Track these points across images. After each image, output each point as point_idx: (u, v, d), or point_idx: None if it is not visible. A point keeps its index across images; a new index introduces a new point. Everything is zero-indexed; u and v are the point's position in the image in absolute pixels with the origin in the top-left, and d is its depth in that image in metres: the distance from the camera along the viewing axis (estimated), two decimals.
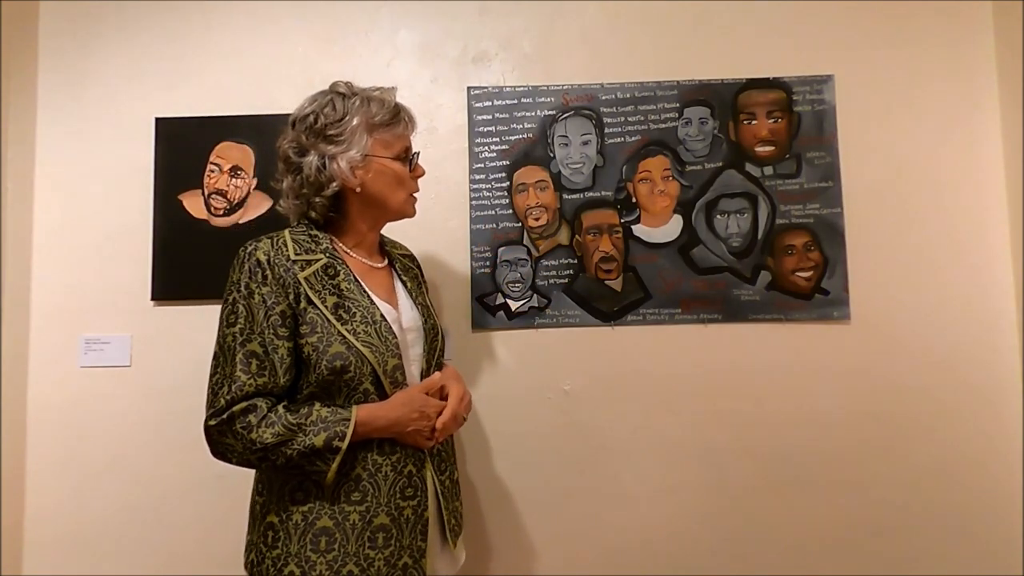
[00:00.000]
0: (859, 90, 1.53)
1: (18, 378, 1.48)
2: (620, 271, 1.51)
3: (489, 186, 1.53)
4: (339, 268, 1.04)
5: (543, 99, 1.54)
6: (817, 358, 1.49)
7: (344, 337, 0.98)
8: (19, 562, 1.46)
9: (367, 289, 1.06)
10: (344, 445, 0.95)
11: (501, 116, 1.54)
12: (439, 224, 1.52)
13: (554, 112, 1.54)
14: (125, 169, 1.53)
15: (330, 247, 1.06)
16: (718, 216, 1.52)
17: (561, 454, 1.49)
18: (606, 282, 1.51)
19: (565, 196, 1.53)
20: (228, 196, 1.51)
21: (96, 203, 1.53)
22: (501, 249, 1.52)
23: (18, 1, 1.51)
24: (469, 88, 1.55)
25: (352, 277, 1.05)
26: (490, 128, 1.54)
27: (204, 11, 1.56)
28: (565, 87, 1.54)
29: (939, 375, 1.48)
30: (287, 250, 1.02)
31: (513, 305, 1.51)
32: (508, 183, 1.53)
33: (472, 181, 1.53)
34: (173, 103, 1.54)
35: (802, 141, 1.53)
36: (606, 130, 1.54)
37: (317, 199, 1.06)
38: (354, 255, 1.10)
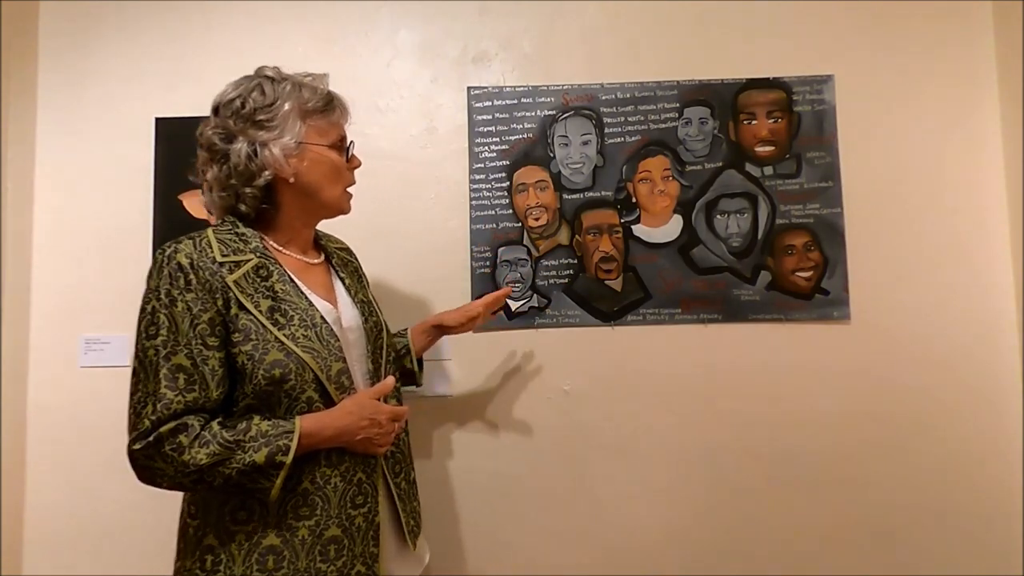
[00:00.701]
0: (859, 90, 1.53)
1: (18, 378, 1.48)
2: (620, 271, 1.51)
3: (489, 186, 1.53)
4: (272, 268, 0.97)
5: (543, 99, 1.54)
6: (817, 358, 1.49)
7: (282, 343, 0.91)
8: (19, 562, 1.46)
9: (304, 289, 0.99)
10: (288, 460, 0.88)
11: (501, 116, 1.54)
12: (439, 224, 1.52)
13: (554, 112, 1.54)
14: (125, 169, 1.53)
15: (260, 245, 0.98)
16: (718, 216, 1.52)
17: (561, 454, 1.49)
18: (606, 282, 1.51)
19: (565, 196, 1.53)
20: None
21: (96, 203, 1.53)
22: (501, 249, 1.52)
23: (18, 1, 1.51)
24: (469, 88, 1.55)
25: (287, 277, 0.98)
26: (490, 128, 1.54)
27: (204, 11, 1.56)
28: (565, 87, 1.54)
29: (939, 375, 1.48)
30: (212, 251, 0.93)
31: (513, 305, 1.51)
32: (508, 183, 1.53)
33: (472, 181, 1.53)
34: (173, 103, 1.54)
35: (802, 141, 1.53)
36: (606, 130, 1.54)
37: (247, 190, 0.97)
38: (287, 252, 1.02)
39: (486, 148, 1.54)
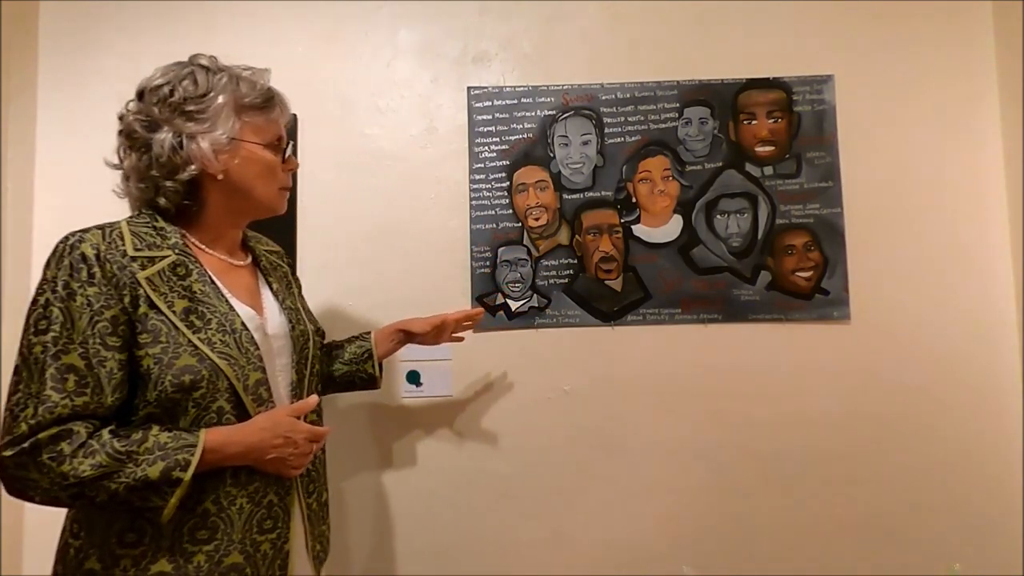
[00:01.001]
0: (859, 90, 1.53)
1: None
2: (620, 271, 1.51)
3: (489, 186, 1.53)
4: (191, 267, 0.89)
5: (543, 99, 1.54)
6: (817, 358, 1.49)
7: (196, 348, 0.83)
8: (19, 562, 1.45)
9: (225, 292, 0.92)
10: (187, 476, 0.79)
11: (501, 116, 1.54)
12: (439, 224, 1.52)
13: (554, 112, 1.54)
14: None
15: (180, 242, 0.90)
16: (718, 216, 1.52)
17: (561, 454, 1.49)
18: (606, 282, 1.51)
19: (565, 196, 1.53)
20: None
21: (96, 203, 1.52)
22: (501, 249, 1.52)
23: (18, 1, 1.51)
24: (469, 88, 1.55)
25: (208, 278, 0.90)
26: (490, 128, 1.54)
27: (204, 11, 1.56)
28: (565, 87, 1.54)
29: (939, 375, 1.48)
30: (123, 244, 0.85)
31: (513, 305, 1.51)
32: (508, 183, 1.53)
33: (472, 181, 1.53)
34: None
35: (802, 141, 1.53)
36: (606, 130, 1.54)
37: (168, 184, 0.90)
38: (211, 252, 0.95)
39: (486, 148, 1.54)
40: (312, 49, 1.56)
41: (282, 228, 1.51)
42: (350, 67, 1.56)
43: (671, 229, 1.52)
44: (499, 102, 1.54)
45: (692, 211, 1.52)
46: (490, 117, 1.54)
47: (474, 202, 1.53)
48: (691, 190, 1.52)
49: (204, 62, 0.95)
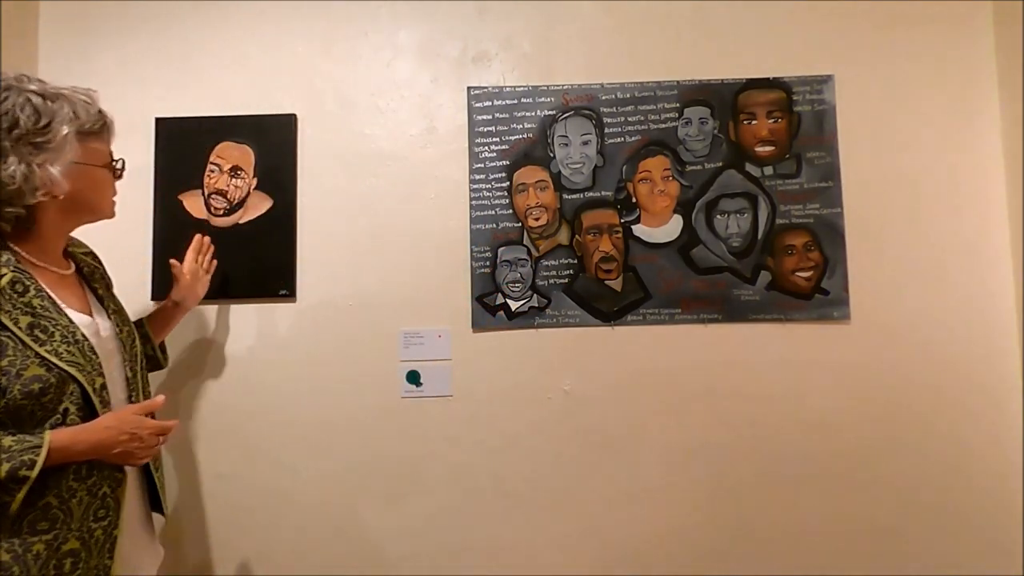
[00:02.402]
0: (859, 90, 1.53)
1: None
2: (620, 271, 1.51)
3: (489, 186, 1.53)
4: (27, 283, 0.95)
5: (543, 99, 1.54)
6: (817, 358, 1.49)
7: (44, 359, 0.91)
8: None
9: (62, 305, 0.98)
10: (33, 474, 0.87)
11: (501, 116, 1.54)
12: (439, 224, 1.52)
13: (554, 112, 1.54)
14: (125, 169, 1.52)
15: (13, 259, 0.96)
16: (718, 216, 1.52)
17: (561, 454, 1.49)
18: (606, 282, 1.51)
19: (565, 196, 1.52)
20: (228, 196, 1.51)
21: None
22: (501, 249, 1.52)
23: (18, 1, 1.51)
24: (469, 88, 1.55)
25: (44, 292, 0.96)
26: (490, 128, 1.54)
27: (204, 11, 1.56)
28: (565, 87, 1.54)
29: (939, 375, 1.48)
30: None
31: (513, 305, 1.51)
32: (508, 183, 1.53)
33: (472, 181, 1.53)
34: (173, 103, 1.54)
35: (802, 141, 1.53)
36: (606, 130, 1.54)
37: (10, 209, 0.94)
38: (42, 266, 1.01)
39: (486, 148, 1.54)
40: (312, 49, 1.56)
41: (282, 228, 1.51)
42: (350, 67, 1.56)
43: (671, 229, 1.52)
44: (499, 102, 1.54)
45: (692, 211, 1.52)
46: (490, 117, 1.54)
47: (474, 202, 1.53)
48: (691, 190, 1.52)
49: (35, 87, 0.98)
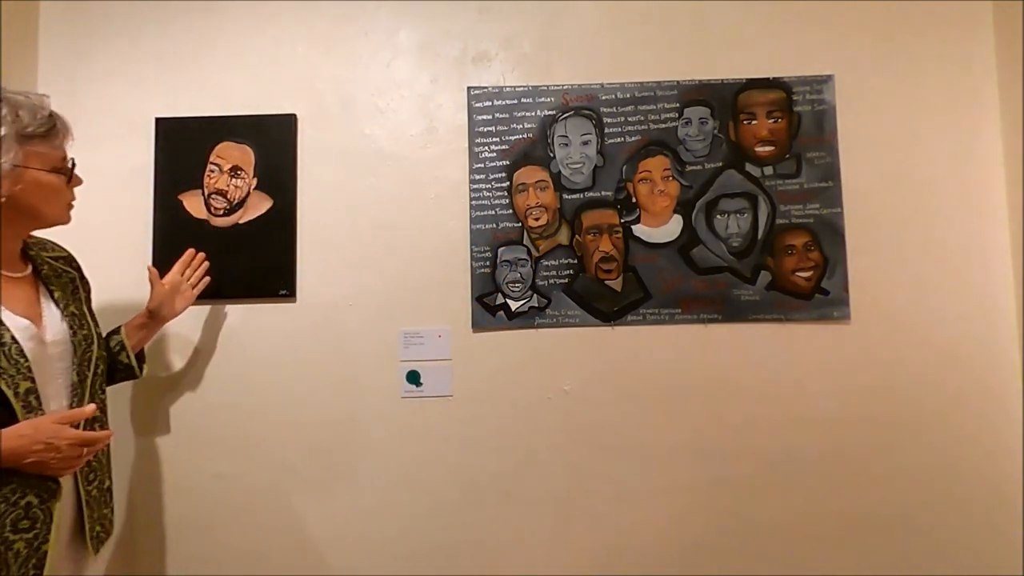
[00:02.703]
0: (859, 90, 1.53)
1: None
2: (620, 271, 1.51)
3: (489, 186, 1.53)
4: None
5: (543, 99, 1.54)
6: (817, 358, 1.49)
7: None
8: None
9: None
10: None
11: (501, 116, 1.54)
12: (439, 224, 1.52)
13: (554, 112, 1.54)
14: (125, 169, 1.52)
15: None
16: (718, 216, 1.52)
17: (561, 454, 1.49)
18: (606, 282, 1.51)
19: (565, 196, 1.52)
20: (228, 196, 1.51)
21: (96, 203, 1.52)
22: (501, 249, 1.52)
23: (18, 1, 1.51)
24: (469, 88, 1.55)
25: None
26: (490, 128, 1.54)
27: (204, 11, 1.56)
28: (565, 87, 1.54)
29: (939, 375, 1.48)
30: None
31: (513, 305, 1.51)
32: (508, 183, 1.53)
33: (472, 181, 1.53)
34: (173, 103, 1.54)
35: (802, 141, 1.53)
36: (606, 130, 1.54)
37: None
38: None
39: (486, 148, 1.54)
40: (312, 49, 1.56)
41: (282, 228, 1.51)
42: (350, 67, 1.56)
43: (671, 229, 1.52)
44: (499, 102, 1.54)
45: (692, 211, 1.52)
46: (490, 117, 1.54)
47: (474, 202, 1.53)
48: (691, 190, 1.52)
49: None
